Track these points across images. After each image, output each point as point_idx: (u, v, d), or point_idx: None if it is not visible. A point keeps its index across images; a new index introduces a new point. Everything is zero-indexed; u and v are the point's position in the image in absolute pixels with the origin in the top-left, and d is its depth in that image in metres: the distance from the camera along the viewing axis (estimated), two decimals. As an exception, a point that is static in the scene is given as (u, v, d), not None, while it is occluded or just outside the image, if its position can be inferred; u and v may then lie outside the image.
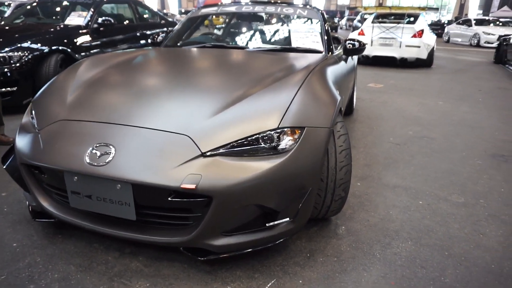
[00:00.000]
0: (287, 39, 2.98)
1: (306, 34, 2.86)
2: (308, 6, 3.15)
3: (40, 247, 1.80)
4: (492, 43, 14.13)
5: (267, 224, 1.57)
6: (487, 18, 17.34)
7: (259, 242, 1.61)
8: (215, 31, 3.74)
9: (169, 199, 1.50)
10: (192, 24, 3.40)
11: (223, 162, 1.49)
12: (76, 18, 5.04)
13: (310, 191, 1.62)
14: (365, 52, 7.94)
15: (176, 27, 3.29)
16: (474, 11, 32.03)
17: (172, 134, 1.57)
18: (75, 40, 4.73)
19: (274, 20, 3.44)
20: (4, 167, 1.95)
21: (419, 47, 7.92)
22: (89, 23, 5.04)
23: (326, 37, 2.84)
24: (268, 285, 1.58)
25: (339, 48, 3.12)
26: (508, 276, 1.67)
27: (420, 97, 5.43)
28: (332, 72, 2.33)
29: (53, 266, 1.68)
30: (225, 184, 1.44)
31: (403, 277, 1.65)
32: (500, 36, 13.90)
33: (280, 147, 1.57)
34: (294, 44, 2.79)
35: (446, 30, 18.08)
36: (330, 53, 2.73)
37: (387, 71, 7.74)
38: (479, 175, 2.74)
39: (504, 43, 9.13)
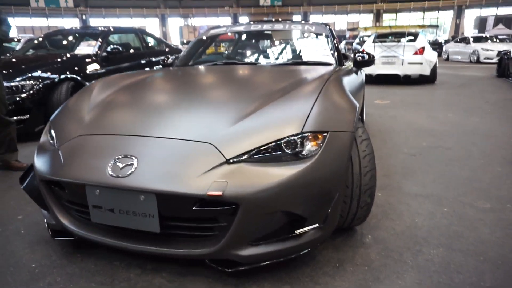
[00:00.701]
0: (297, 54, 3.02)
1: (316, 48, 2.90)
2: (315, 22, 3.21)
3: (60, 267, 1.75)
4: (492, 59, 14.26)
5: (296, 231, 1.52)
6: (483, 35, 17.61)
7: (288, 251, 1.55)
8: (224, 50, 3.80)
9: (194, 208, 1.46)
10: (202, 45, 3.47)
11: (248, 168, 1.46)
12: (86, 48, 5.17)
13: (337, 196, 1.58)
14: (369, 71, 8.03)
15: (186, 48, 3.35)
16: (469, 31, 32.65)
17: (195, 143, 1.55)
18: (85, 68, 4.83)
19: (283, 37, 3.49)
20: (22, 187, 1.93)
21: (421, 63, 8.00)
22: (98, 52, 5.16)
23: (336, 50, 2.87)
24: (299, 297, 1.51)
25: (348, 61, 3.15)
26: (551, 278, 1.59)
27: (428, 110, 5.42)
28: (346, 82, 2.33)
29: (74, 285, 1.62)
30: (252, 190, 1.41)
31: (439, 283, 1.57)
32: (499, 52, 14.10)
33: (303, 152, 1.54)
34: (304, 58, 2.82)
35: (444, 48, 18.33)
36: (340, 65, 2.75)
37: (392, 88, 7.78)
38: (502, 181, 2.68)
39: (506, 57, 9.21)
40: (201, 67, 2.86)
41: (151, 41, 6.69)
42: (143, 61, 6.01)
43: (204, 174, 1.44)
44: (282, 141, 1.53)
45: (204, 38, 3.43)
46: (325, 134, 1.58)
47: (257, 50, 3.24)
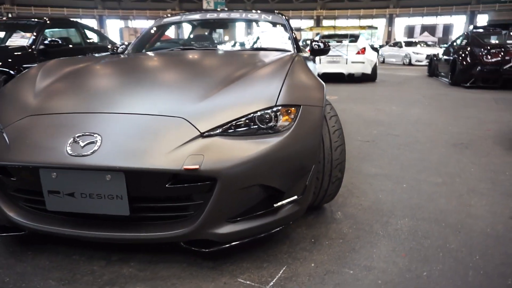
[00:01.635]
0: (256, 41, 3.01)
1: (274, 36, 2.92)
2: (272, 12, 3.22)
3: (6, 267, 1.53)
4: (421, 61, 15.56)
5: (274, 205, 1.48)
6: (413, 40, 19.18)
7: (266, 227, 1.51)
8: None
9: (167, 186, 1.36)
10: (155, 34, 3.31)
11: (223, 142, 1.40)
12: (19, 40, 4.70)
13: (312, 169, 1.57)
14: (315, 70, 8.30)
15: (138, 36, 3.18)
16: (400, 37, 35.40)
17: (165, 117, 1.46)
18: (19, 62, 4.38)
19: (240, 26, 3.46)
20: None
21: (363, 62, 8.47)
22: (34, 44, 4.72)
23: (293, 38, 2.91)
24: (280, 272, 1.47)
25: (305, 50, 3.21)
26: (505, 237, 1.73)
27: (374, 104, 5.73)
28: (309, 65, 2.36)
29: (27, 283, 1.43)
30: (229, 164, 1.35)
31: (411, 249, 1.63)
32: (428, 55, 15.43)
33: (277, 126, 1.51)
34: (264, 45, 2.82)
35: (380, 52, 19.63)
36: (299, 52, 2.78)
37: (337, 86, 8.12)
38: (448, 160, 2.89)
39: (435, 59, 10.10)
40: (159, 52, 2.73)
41: (93, 37, 6.29)
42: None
43: (178, 148, 1.35)
44: (256, 115, 1.49)
45: (157, 26, 3.28)
46: (298, 107, 1.57)
47: (215, 37, 3.17)
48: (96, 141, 1.36)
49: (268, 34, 2.91)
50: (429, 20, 37.59)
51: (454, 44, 9.05)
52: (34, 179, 1.43)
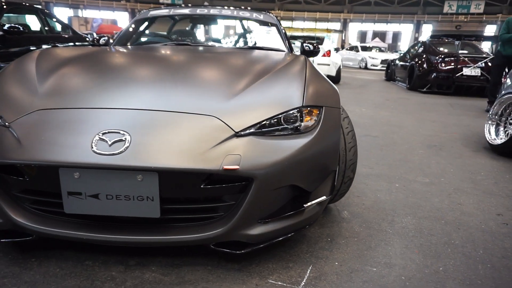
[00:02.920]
0: (250, 40, 2.99)
1: (267, 35, 2.92)
2: (262, 11, 3.22)
3: (12, 276, 1.39)
4: (376, 66, 16.39)
5: (304, 205, 1.49)
6: (368, 45, 20.12)
7: (294, 227, 1.51)
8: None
9: (202, 186, 1.32)
10: (139, 26, 3.17)
11: (257, 141, 1.38)
12: (-27, 24, 4.24)
13: (337, 169, 1.60)
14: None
15: (123, 29, 3.02)
16: (353, 41, 37.03)
17: (197, 116, 1.41)
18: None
19: (229, 23, 3.41)
20: None
21: (329, 65, 8.74)
22: (-10, 30, 4.29)
23: (286, 38, 2.94)
24: (308, 272, 1.49)
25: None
26: (499, 232, 1.89)
27: (345, 105, 5.92)
28: None
29: (42, 293, 1.31)
30: (265, 164, 1.34)
31: (421, 245, 1.73)
32: (382, 60, 16.29)
33: (302, 126, 1.52)
34: (259, 44, 2.81)
35: (336, 55, 20.35)
36: (291, 52, 2.81)
37: (305, 87, 8.29)
38: (428, 161, 3.09)
39: (392, 64, 10.69)
40: (162, 46, 2.61)
41: (54, 26, 5.85)
42: (49, 46, 5.21)
43: (214, 147, 1.31)
44: (283, 115, 1.49)
45: (143, 19, 3.14)
46: (321, 109, 1.59)
47: (205, 33, 3.10)
48: (125, 139, 1.28)
49: (261, 33, 2.91)
50: (380, 27, 39.69)
51: (411, 51, 9.64)
52: (50, 179, 1.31)
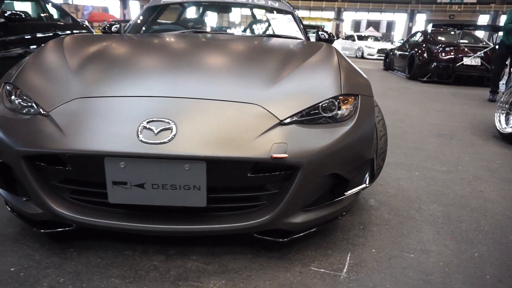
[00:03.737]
0: (268, 27, 2.95)
1: (284, 22, 2.88)
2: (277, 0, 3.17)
3: (54, 266, 1.38)
4: (373, 55, 16.39)
5: (345, 193, 1.49)
6: (364, 34, 20.06)
7: (334, 215, 1.53)
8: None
9: (249, 175, 1.31)
10: (152, 14, 3.10)
11: (301, 130, 1.38)
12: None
13: (375, 157, 1.61)
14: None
15: (136, 16, 2.96)
16: (347, 31, 36.93)
17: (240, 104, 1.39)
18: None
19: (245, 11, 3.36)
20: None
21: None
22: (-9, 17, 4.16)
23: (302, 26, 2.91)
24: (348, 259, 1.50)
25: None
26: (524, 218, 1.93)
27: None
28: None
29: (88, 283, 1.30)
30: (311, 152, 1.33)
31: (452, 232, 1.75)
32: (379, 50, 16.29)
33: (339, 115, 1.51)
34: (277, 32, 2.77)
35: (333, 45, 20.28)
36: (308, 40, 2.80)
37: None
38: (442, 149, 3.12)
39: (391, 54, 10.69)
40: (185, 33, 2.57)
41: (54, 13, 5.69)
42: (50, 34, 5.09)
43: (261, 136, 1.30)
44: (323, 103, 1.48)
45: (155, 5, 3.07)
46: (357, 97, 1.58)
47: (223, 21, 3.06)
48: (171, 127, 1.27)
49: (278, 21, 2.86)
50: (374, 16, 39.60)
51: (411, 40, 9.65)
52: (94, 168, 1.30)
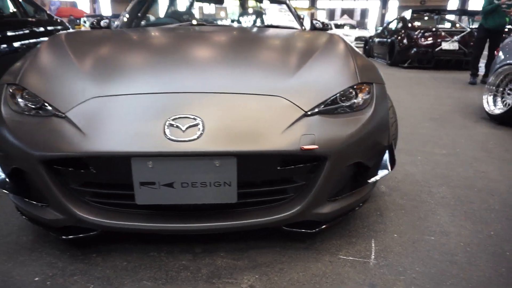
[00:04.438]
0: (264, 18, 2.92)
1: (281, 13, 2.86)
2: (271, -12, 3.13)
3: (80, 273, 1.33)
4: (351, 43, 16.53)
5: (368, 181, 1.50)
6: (340, 23, 20.21)
7: (355, 204, 1.54)
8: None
9: (278, 168, 1.30)
10: (142, 6, 3.00)
11: (325, 120, 1.37)
12: None
13: (392, 143, 1.63)
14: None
15: (128, 9, 2.86)
16: (322, 19, 37.16)
17: (263, 97, 1.37)
18: None
19: (242, 1, 3.31)
20: None
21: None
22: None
23: (297, 16, 2.89)
24: (373, 245, 1.53)
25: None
26: (528, 195, 2.01)
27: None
28: None
29: (121, 287, 1.26)
30: (337, 142, 1.34)
31: (466, 212, 1.81)
32: (356, 37, 16.47)
33: (356, 103, 1.52)
34: (275, 22, 2.75)
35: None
36: (304, 29, 2.79)
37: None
38: (437, 133, 3.20)
39: (370, 41, 10.83)
40: (186, 26, 2.50)
41: (29, 8, 5.43)
42: (26, 31, 4.86)
43: (289, 128, 1.29)
44: (342, 93, 1.48)
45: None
46: (371, 85, 1.59)
47: (220, 12, 3.00)
48: (198, 124, 1.24)
49: (275, 11, 2.84)
50: (348, 4, 39.92)
51: (389, 27, 9.79)
52: (119, 170, 1.25)
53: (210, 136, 1.22)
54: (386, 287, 1.29)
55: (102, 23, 2.78)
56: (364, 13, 40.96)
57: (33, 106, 1.38)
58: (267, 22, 2.83)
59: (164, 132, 1.21)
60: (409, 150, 2.71)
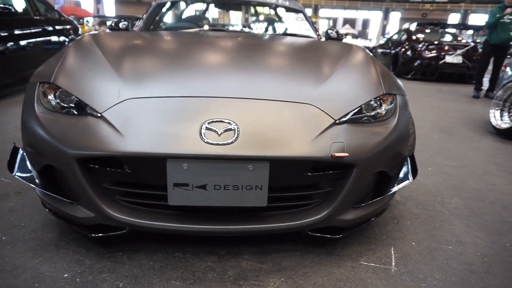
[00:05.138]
0: (282, 26, 2.97)
1: (299, 21, 2.92)
2: (287, -3, 3.19)
3: (108, 271, 1.36)
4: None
5: (392, 190, 1.54)
6: (343, 32, 20.37)
7: (377, 211, 1.57)
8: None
9: (307, 174, 1.34)
10: (161, 10, 3.05)
11: (353, 129, 1.41)
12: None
13: (413, 154, 1.67)
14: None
15: (148, 12, 2.91)
16: (324, 28, 37.46)
17: (295, 104, 1.41)
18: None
19: (258, 8, 3.36)
20: (17, 174, 1.43)
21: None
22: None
23: (312, 24, 2.95)
24: (392, 253, 1.56)
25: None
26: (539, 209, 2.05)
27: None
28: None
29: (148, 286, 1.29)
30: (365, 150, 1.38)
31: (480, 224, 1.84)
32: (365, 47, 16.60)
33: (379, 113, 1.56)
34: (293, 31, 2.81)
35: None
36: (320, 38, 2.84)
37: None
38: (446, 145, 3.24)
39: (374, 51, 10.94)
40: (202, 32, 2.54)
41: (40, 6, 5.47)
42: (38, 30, 4.90)
43: (320, 136, 1.33)
44: (367, 103, 1.53)
45: (164, 2, 3.02)
46: (394, 96, 1.63)
47: (237, 18, 3.05)
48: (233, 128, 1.27)
49: (291, 19, 2.90)
50: (350, 14, 40.28)
51: (394, 38, 9.91)
52: (153, 170, 1.29)
53: (244, 140, 1.25)
54: (409, 294, 1.32)
55: (121, 25, 2.83)
56: (366, 23, 41.37)
57: (66, 105, 1.41)
58: (285, 30, 2.87)
59: (201, 135, 1.24)
60: (420, 162, 2.75)
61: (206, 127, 1.26)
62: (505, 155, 3.04)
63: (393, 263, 1.49)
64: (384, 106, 1.57)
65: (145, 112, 1.33)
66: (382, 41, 11.63)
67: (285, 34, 2.75)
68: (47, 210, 1.53)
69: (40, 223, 1.65)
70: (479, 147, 3.23)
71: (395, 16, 38.82)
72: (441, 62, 8.00)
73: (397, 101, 1.62)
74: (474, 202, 2.09)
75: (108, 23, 24.05)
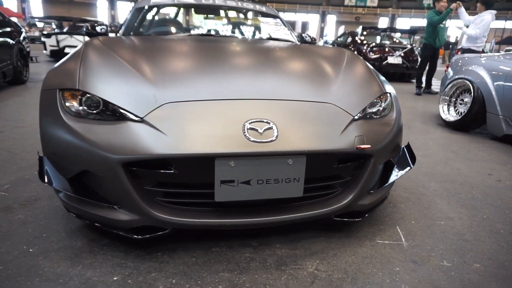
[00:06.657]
0: (263, 31, 3.12)
1: (275, 26, 3.09)
2: (263, 3, 3.35)
3: (155, 270, 1.40)
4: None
5: (397, 175, 1.76)
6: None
7: (385, 195, 1.79)
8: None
9: (335, 166, 1.50)
10: (139, 14, 3.03)
11: (368, 123, 1.62)
12: None
13: (408, 143, 1.92)
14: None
15: (127, 17, 2.88)
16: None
17: (319, 103, 1.58)
18: None
19: (235, 14, 3.45)
20: (48, 183, 1.43)
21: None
22: None
23: (290, 29, 3.15)
24: (399, 230, 1.79)
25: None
26: (497, 187, 2.44)
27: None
28: None
29: (202, 280, 1.36)
30: (380, 142, 1.59)
31: (458, 202, 2.16)
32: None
33: (379, 111, 1.78)
34: (273, 35, 2.97)
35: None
36: (300, 42, 3.05)
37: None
38: (409, 137, 3.63)
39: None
40: (194, 37, 2.59)
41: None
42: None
43: (345, 130, 1.50)
44: (373, 101, 1.74)
45: (142, 7, 3.01)
46: (390, 94, 1.87)
47: (219, 24, 3.13)
48: (272, 127, 1.40)
49: (269, 24, 3.05)
50: (289, 16, 41.62)
51: (338, 41, 10.55)
52: (200, 170, 1.36)
53: (284, 137, 1.38)
54: (424, 262, 1.54)
55: (99, 29, 2.78)
56: (305, 26, 42.98)
57: (93, 111, 1.43)
58: (267, 35, 3.02)
59: (245, 134, 1.35)
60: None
61: (248, 127, 1.37)
62: (458, 144, 3.50)
63: (403, 239, 1.71)
64: (383, 103, 1.79)
65: (187, 115, 1.40)
66: (320, 43, 12.29)
67: (270, 38, 2.91)
68: (73, 215, 1.53)
69: (64, 232, 1.62)
70: (435, 138, 3.67)
71: (331, 19, 40.96)
72: (384, 63, 8.72)
73: (392, 99, 1.85)
74: (447, 185, 2.42)
75: (39, 24, 22.22)
